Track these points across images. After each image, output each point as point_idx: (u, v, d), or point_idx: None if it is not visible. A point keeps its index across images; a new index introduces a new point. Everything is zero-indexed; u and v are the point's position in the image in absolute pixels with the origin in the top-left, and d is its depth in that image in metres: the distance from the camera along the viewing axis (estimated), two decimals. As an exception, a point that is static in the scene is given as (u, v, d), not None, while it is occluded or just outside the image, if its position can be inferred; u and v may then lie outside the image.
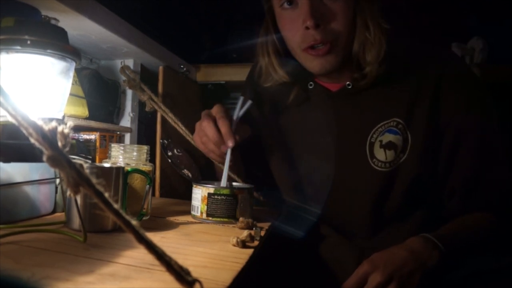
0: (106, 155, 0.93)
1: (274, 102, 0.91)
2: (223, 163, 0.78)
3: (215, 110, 0.78)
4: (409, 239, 0.72)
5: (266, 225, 0.71)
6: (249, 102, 0.80)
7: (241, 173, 0.92)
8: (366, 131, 0.80)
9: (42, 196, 0.68)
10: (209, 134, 0.76)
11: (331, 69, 0.77)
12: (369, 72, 0.75)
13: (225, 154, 0.76)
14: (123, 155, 0.72)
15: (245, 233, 0.58)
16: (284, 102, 0.88)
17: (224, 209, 0.72)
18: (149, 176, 0.67)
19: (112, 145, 0.73)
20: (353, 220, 0.82)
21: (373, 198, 0.79)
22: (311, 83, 0.84)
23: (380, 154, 0.78)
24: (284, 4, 0.76)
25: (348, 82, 0.80)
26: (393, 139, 0.77)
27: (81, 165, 0.31)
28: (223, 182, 0.76)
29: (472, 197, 0.77)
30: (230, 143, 0.74)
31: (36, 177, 0.67)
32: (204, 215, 0.73)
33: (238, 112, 0.79)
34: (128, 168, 0.66)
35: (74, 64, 0.62)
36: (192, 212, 0.75)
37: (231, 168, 0.88)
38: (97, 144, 0.94)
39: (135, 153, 0.72)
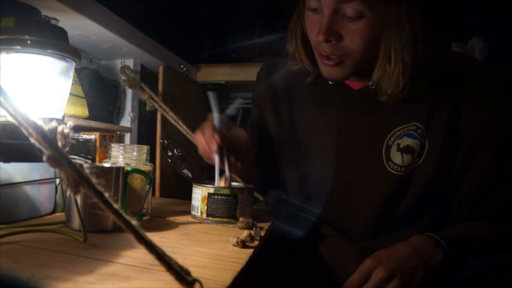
0: (106, 155, 0.93)
1: (290, 97, 0.90)
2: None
3: (206, 122, 0.79)
4: (413, 236, 0.72)
5: (266, 225, 0.71)
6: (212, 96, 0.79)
7: (255, 178, 0.92)
8: (384, 133, 0.79)
9: (42, 196, 0.68)
10: (199, 147, 0.78)
11: (339, 79, 0.77)
12: (391, 94, 0.74)
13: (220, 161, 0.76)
14: (123, 155, 0.72)
15: (245, 233, 0.58)
16: (301, 97, 0.88)
17: (224, 209, 0.72)
18: (149, 176, 0.67)
19: (112, 145, 0.73)
20: (359, 221, 0.81)
21: (384, 201, 0.79)
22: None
23: (396, 157, 0.78)
24: (311, 8, 0.74)
25: (371, 83, 0.79)
26: (411, 143, 0.77)
27: (81, 165, 0.31)
28: (216, 182, 0.77)
29: (482, 207, 0.77)
30: (212, 147, 0.75)
31: (36, 177, 0.67)
32: (204, 215, 0.73)
33: (215, 110, 0.78)
34: (128, 168, 0.66)
35: (74, 64, 0.62)
36: (192, 212, 0.75)
37: (241, 172, 0.88)
38: (97, 144, 0.94)
39: (135, 153, 0.73)
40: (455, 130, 0.76)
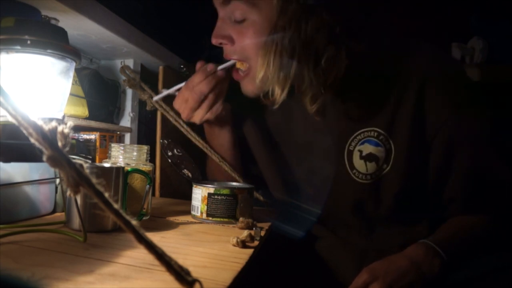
0: (106, 155, 0.93)
1: (256, 106, 0.90)
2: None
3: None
4: (410, 246, 0.70)
5: (266, 225, 0.71)
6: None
7: (238, 171, 0.92)
8: (344, 139, 0.76)
9: (42, 196, 0.68)
10: (200, 86, 0.78)
11: (253, 94, 0.76)
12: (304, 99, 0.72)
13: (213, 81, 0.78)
14: (123, 155, 0.72)
15: (245, 233, 0.58)
16: (269, 107, 0.87)
17: (224, 209, 0.72)
18: (149, 176, 0.67)
19: (112, 145, 0.73)
20: (346, 223, 0.81)
21: (357, 208, 0.77)
22: None
23: (360, 165, 0.75)
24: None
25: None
26: (374, 150, 0.74)
27: (81, 165, 0.31)
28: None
29: (472, 203, 0.75)
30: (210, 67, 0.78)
31: (36, 177, 0.67)
32: (204, 215, 0.73)
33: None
34: (128, 168, 0.66)
35: (74, 64, 0.62)
36: (192, 212, 0.75)
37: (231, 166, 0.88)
38: (97, 144, 0.94)
39: (135, 153, 0.73)
40: (422, 133, 0.72)
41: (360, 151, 0.75)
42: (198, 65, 0.81)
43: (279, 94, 0.69)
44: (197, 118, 0.81)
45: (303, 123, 0.82)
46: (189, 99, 0.79)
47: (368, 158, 0.74)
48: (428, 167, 0.74)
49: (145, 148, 0.74)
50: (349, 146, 0.76)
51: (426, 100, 0.71)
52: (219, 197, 0.72)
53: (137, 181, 0.70)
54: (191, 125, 0.90)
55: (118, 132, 1.07)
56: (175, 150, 0.89)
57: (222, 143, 0.88)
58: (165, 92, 0.86)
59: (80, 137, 0.95)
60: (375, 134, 0.74)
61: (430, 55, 0.74)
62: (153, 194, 1.02)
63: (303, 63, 0.67)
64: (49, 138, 0.30)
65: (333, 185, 0.78)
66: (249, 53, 0.72)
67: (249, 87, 0.76)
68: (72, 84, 0.73)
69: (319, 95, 0.70)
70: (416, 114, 0.72)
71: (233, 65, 0.77)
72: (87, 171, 0.32)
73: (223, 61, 0.79)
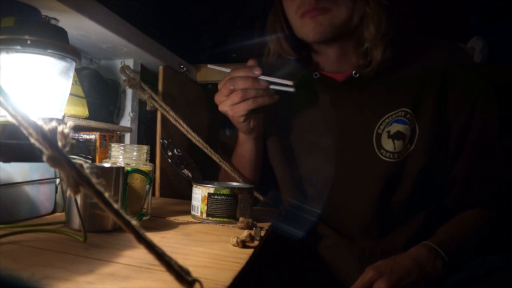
0: (106, 155, 0.93)
1: (280, 96, 0.90)
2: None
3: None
4: (413, 247, 0.71)
5: (266, 225, 0.71)
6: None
7: (257, 175, 0.92)
8: (373, 122, 0.79)
9: (42, 196, 0.68)
10: (237, 80, 0.78)
11: (326, 34, 0.77)
12: (374, 58, 0.75)
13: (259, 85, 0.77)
14: (123, 155, 0.72)
15: (245, 233, 0.58)
16: (290, 95, 0.88)
17: (224, 209, 0.72)
18: (149, 176, 0.67)
19: (112, 145, 0.73)
20: (357, 217, 0.81)
21: (380, 191, 0.78)
22: (316, 73, 0.84)
23: (388, 144, 0.78)
24: None
25: (354, 71, 0.79)
26: (402, 129, 0.77)
27: (81, 165, 0.31)
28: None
29: (470, 189, 0.77)
30: (257, 71, 0.77)
31: (36, 177, 0.67)
32: (204, 215, 0.73)
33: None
34: (128, 168, 0.66)
35: (74, 64, 0.62)
36: (192, 212, 0.75)
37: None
38: (97, 144, 0.94)
39: (135, 153, 0.73)
40: (444, 114, 0.77)
41: (388, 131, 0.78)
42: (250, 62, 0.80)
43: (380, 30, 0.74)
44: (221, 106, 0.82)
45: (326, 112, 0.83)
46: (225, 86, 0.80)
47: (396, 136, 0.78)
48: (448, 151, 0.78)
49: (145, 148, 0.74)
50: (377, 130, 0.79)
51: (448, 85, 0.76)
52: (219, 197, 0.72)
53: (137, 181, 0.70)
54: (191, 125, 0.90)
55: (118, 132, 1.07)
56: (175, 150, 0.89)
57: (243, 153, 0.89)
58: (218, 67, 0.87)
59: (80, 137, 0.95)
60: (402, 113, 0.78)
61: (452, 46, 0.82)
62: (153, 194, 1.02)
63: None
64: (49, 138, 0.30)
65: (359, 169, 0.80)
66: None
67: (323, 28, 0.76)
68: (72, 84, 0.72)
69: (386, 37, 0.74)
70: (440, 97, 0.77)
71: (282, 90, 0.78)
72: (87, 171, 0.32)
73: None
